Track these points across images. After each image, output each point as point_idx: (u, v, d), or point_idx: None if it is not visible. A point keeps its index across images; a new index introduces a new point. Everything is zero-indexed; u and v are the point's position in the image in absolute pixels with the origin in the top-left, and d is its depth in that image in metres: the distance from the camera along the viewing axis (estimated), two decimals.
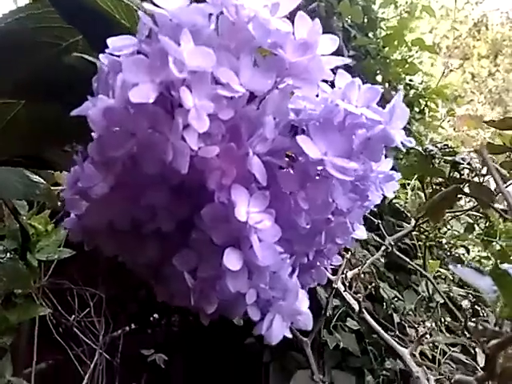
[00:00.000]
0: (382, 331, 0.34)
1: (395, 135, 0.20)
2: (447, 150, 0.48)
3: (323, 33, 0.19)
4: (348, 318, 0.99)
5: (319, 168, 0.20)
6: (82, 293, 1.12)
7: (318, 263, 0.28)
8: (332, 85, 0.23)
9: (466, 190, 0.42)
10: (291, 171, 0.22)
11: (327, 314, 0.93)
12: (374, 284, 0.98)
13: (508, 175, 0.39)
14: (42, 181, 0.50)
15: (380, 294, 1.04)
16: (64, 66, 0.37)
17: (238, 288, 0.19)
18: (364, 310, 0.36)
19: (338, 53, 0.20)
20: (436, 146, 0.49)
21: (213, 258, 0.20)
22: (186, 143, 0.17)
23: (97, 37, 0.29)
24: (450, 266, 0.26)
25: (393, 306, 1.03)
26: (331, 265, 0.29)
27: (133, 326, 1.22)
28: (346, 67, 0.21)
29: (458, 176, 0.46)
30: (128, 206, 0.20)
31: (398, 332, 1.01)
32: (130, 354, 1.17)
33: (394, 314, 1.00)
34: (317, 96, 0.23)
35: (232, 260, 0.19)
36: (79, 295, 1.11)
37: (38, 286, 0.87)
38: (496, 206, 0.41)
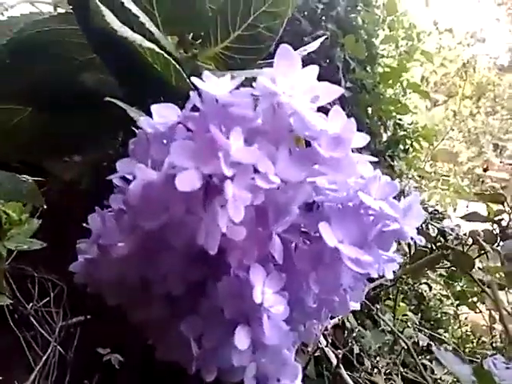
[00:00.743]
0: None
1: (409, 232, 0.22)
2: (436, 215, 0.51)
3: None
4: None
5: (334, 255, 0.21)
6: (44, 281, 1.09)
7: (309, 325, 0.29)
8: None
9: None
10: (306, 250, 0.23)
11: None
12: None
13: (488, 247, 0.41)
14: (29, 179, 0.49)
15: (343, 321, 1.07)
16: (76, 81, 0.37)
17: (241, 363, 0.20)
18: (341, 366, 0.37)
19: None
20: (426, 210, 0.52)
21: (220, 329, 0.20)
22: (218, 225, 0.17)
23: (124, 74, 0.29)
24: (433, 349, 0.27)
25: (354, 335, 1.05)
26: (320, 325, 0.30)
27: (89, 317, 1.20)
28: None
29: (444, 241, 0.48)
30: (142, 267, 0.20)
31: (355, 361, 1.04)
32: (84, 351, 1.15)
33: (355, 345, 1.03)
34: None
35: (242, 338, 0.19)
36: (40, 283, 1.08)
37: None
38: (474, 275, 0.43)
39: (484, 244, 0.33)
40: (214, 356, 0.20)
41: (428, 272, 1.27)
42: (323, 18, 1.17)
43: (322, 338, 0.39)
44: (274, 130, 0.19)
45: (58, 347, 1.08)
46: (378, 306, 1.11)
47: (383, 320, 0.53)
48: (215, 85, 0.18)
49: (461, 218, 0.47)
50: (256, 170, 0.18)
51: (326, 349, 0.38)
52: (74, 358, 1.12)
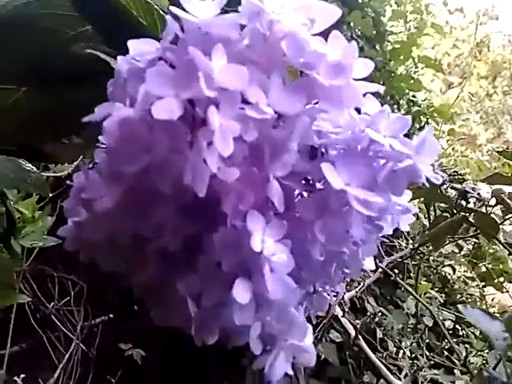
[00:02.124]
0: (377, 360, 0.33)
1: (423, 170, 0.19)
2: (456, 177, 0.48)
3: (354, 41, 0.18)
4: (331, 330, 0.98)
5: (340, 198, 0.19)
6: (64, 280, 1.10)
7: (321, 289, 0.27)
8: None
9: (471, 219, 0.41)
10: (309, 197, 0.21)
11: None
12: (358, 295, 0.97)
13: None
14: (34, 169, 0.48)
15: (364, 306, 1.04)
16: (70, 55, 0.35)
17: (244, 321, 0.18)
18: (360, 337, 0.35)
19: None
20: (445, 172, 0.49)
21: (219, 285, 0.18)
22: (206, 165, 0.15)
23: (108, 30, 0.28)
24: (460, 308, 0.25)
25: (377, 320, 1.03)
26: (333, 291, 0.28)
27: (111, 316, 1.20)
28: None
29: (465, 204, 0.45)
30: (132, 221, 0.18)
31: (379, 346, 1.01)
32: (107, 347, 1.15)
33: (377, 329, 1.00)
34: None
35: (241, 292, 0.17)
36: (60, 283, 1.08)
37: (19, 271, 0.85)
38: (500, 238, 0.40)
39: (510, 202, 0.30)
40: (214, 315, 0.19)
41: (452, 252, 1.23)
42: None
43: (337, 308, 0.37)
44: (265, 57, 0.17)
45: (81, 345, 1.09)
46: (402, 289, 1.08)
47: (407, 289, 0.50)
48: (196, 8, 0.16)
49: (482, 180, 0.44)
50: (246, 102, 0.16)
51: (343, 319, 0.36)
52: (97, 354, 1.13)
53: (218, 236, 0.18)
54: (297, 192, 0.22)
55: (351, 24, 1.06)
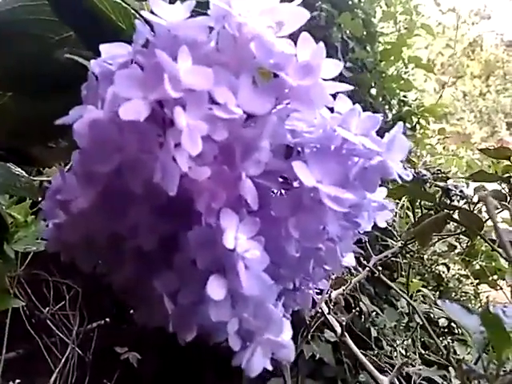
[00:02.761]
0: (362, 357, 0.34)
1: (393, 167, 0.20)
2: (439, 175, 0.48)
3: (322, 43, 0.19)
4: (326, 330, 0.99)
5: (313, 196, 0.19)
6: (59, 285, 1.10)
7: (303, 287, 0.27)
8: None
9: (456, 216, 0.42)
10: (283, 195, 0.21)
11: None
12: (353, 294, 0.98)
13: (499, 205, 0.39)
14: (23, 173, 0.48)
15: (359, 305, 1.05)
16: (55, 60, 0.36)
17: (220, 317, 0.18)
18: (346, 334, 0.36)
19: None
20: (429, 171, 0.49)
21: (195, 282, 0.19)
22: (176, 164, 0.16)
23: (89, 36, 0.28)
24: (439, 302, 0.25)
25: (371, 319, 1.03)
26: (316, 288, 0.29)
27: (107, 320, 1.20)
28: (342, 79, 0.21)
29: (449, 202, 0.46)
30: (108, 221, 0.19)
31: (373, 345, 1.02)
32: (102, 351, 1.15)
33: (372, 328, 1.00)
34: (315, 118, 0.22)
35: (215, 288, 0.18)
36: (55, 287, 1.08)
37: (13, 276, 0.85)
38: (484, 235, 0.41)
39: (491, 200, 0.31)
40: (191, 312, 0.19)
41: (446, 251, 1.24)
42: None
43: (323, 305, 0.37)
44: (234, 59, 0.17)
45: (77, 349, 1.08)
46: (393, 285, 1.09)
47: (399, 291, 0.51)
48: (166, 12, 0.17)
49: (466, 178, 0.44)
50: (214, 102, 0.17)
51: (330, 317, 0.37)
52: (93, 358, 1.12)
53: (193, 234, 0.18)
54: (275, 190, 0.22)
55: (341, 25, 1.06)
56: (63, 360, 1.05)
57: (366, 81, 1.11)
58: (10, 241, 0.68)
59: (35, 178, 0.65)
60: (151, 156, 0.16)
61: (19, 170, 0.47)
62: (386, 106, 1.19)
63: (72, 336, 1.11)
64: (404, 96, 1.23)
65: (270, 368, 0.21)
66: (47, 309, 1.08)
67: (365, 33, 1.13)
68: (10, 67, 0.36)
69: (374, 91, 1.20)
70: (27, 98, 0.38)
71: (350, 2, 1.20)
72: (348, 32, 1.11)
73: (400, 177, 0.21)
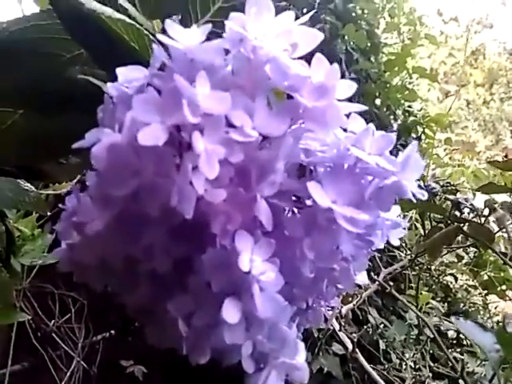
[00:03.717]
0: (374, 373, 0.33)
1: (408, 187, 0.20)
2: (449, 188, 0.48)
3: (326, 55, 0.19)
4: (334, 343, 0.98)
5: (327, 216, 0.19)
6: (64, 298, 1.09)
7: (315, 305, 0.27)
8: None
9: (466, 228, 0.42)
10: (297, 214, 0.21)
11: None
12: (360, 307, 0.97)
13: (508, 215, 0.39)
14: (32, 188, 0.49)
15: (367, 318, 1.04)
16: (66, 78, 0.36)
17: (235, 340, 0.18)
18: (357, 350, 0.35)
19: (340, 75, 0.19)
20: (438, 183, 0.49)
21: (209, 305, 0.19)
22: (192, 187, 0.16)
23: (102, 55, 0.28)
24: (453, 319, 0.25)
25: (379, 332, 1.02)
26: (328, 306, 0.28)
27: (112, 333, 1.19)
28: None
29: (459, 214, 0.45)
30: (123, 244, 0.19)
31: (382, 358, 1.00)
32: (108, 364, 1.14)
33: (380, 341, 0.99)
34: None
35: (231, 312, 0.17)
36: (61, 300, 1.08)
37: (19, 289, 0.85)
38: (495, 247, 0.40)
39: (502, 212, 0.31)
40: (205, 335, 0.19)
41: (453, 262, 1.23)
42: (322, 11, 1.16)
43: (334, 322, 0.37)
44: (249, 81, 0.17)
45: (82, 362, 1.08)
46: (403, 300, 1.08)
47: (407, 304, 0.50)
48: (182, 36, 0.17)
49: (476, 190, 0.44)
50: (231, 125, 0.17)
51: (341, 334, 0.36)
52: (98, 372, 1.11)
53: (207, 257, 0.18)
54: (287, 209, 0.22)
55: (345, 37, 1.07)
56: (68, 373, 1.04)
57: (370, 91, 1.11)
58: (16, 254, 0.68)
59: (42, 192, 0.65)
60: (168, 180, 0.16)
61: (28, 185, 0.47)
62: (391, 116, 1.19)
63: (77, 349, 1.10)
64: (409, 106, 1.23)
65: None
66: (53, 322, 1.08)
67: (369, 44, 1.13)
68: (21, 85, 0.37)
69: (378, 102, 1.20)
70: (38, 115, 0.38)
71: (354, 14, 1.21)
72: (352, 43, 1.11)
73: (414, 196, 0.21)
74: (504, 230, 0.39)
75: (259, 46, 0.17)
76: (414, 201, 0.20)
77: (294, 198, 0.22)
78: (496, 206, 0.37)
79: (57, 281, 1.05)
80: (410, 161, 0.20)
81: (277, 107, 0.18)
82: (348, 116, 0.21)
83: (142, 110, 0.15)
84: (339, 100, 0.19)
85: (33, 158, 0.40)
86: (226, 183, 0.17)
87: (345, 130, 0.22)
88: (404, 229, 0.25)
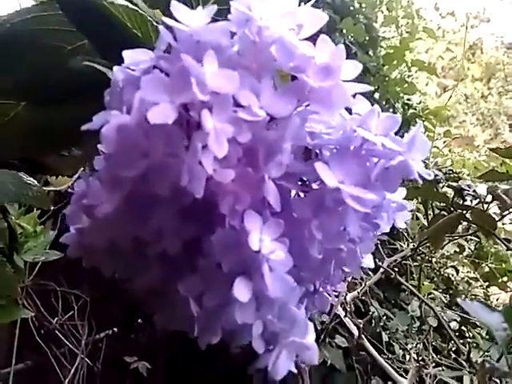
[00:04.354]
0: (381, 358, 0.33)
1: (414, 167, 0.20)
2: (452, 175, 0.48)
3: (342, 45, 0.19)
4: (337, 335, 0.98)
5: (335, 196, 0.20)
6: (67, 295, 1.10)
7: (322, 289, 0.27)
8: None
9: (468, 216, 0.42)
10: (305, 197, 0.21)
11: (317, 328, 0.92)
12: (362, 299, 0.97)
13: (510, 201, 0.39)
14: (35, 182, 0.49)
15: (368, 309, 1.04)
16: (68, 69, 0.36)
17: (245, 319, 0.18)
18: (363, 336, 0.35)
19: None
20: (441, 171, 0.49)
21: (220, 285, 0.19)
22: (202, 167, 0.16)
23: (105, 43, 0.29)
24: (458, 300, 0.25)
25: (382, 323, 1.02)
26: (334, 291, 0.29)
27: (116, 330, 1.20)
28: None
29: (461, 202, 0.45)
30: (133, 226, 0.19)
31: (385, 350, 1.01)
32: (112, 360, 1.14)
33: (383, 333, 1.00)
34: (332, 120, 0.22)
35: (242, 290, 0.18)
36: (64, 297, 1.08)
37: (22, 287, 0.85)
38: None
39: (505, 198, 0.31)
40: (216, 315, 0.19)
41: (455, 253, 1.23)
42: (320, 5, 1.15)
43: (340, 308, 0.37)
44: (255, 62, 0.17)
45: (86, 359, 1.08)
46: (406, 292, 1.08)
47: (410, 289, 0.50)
48: (188, 18, 0.17)
49: (478, 177, 0.44)
50: (238, 105, 0.17)
51: (346, 319, 0.36)
52: (102, 368, 1.12)
53: (217, 237, 0.18)
54: (293, 192, 0.22)
55: (343, 31, 1.07)
56: (72, 370, 1.04)
57: (369, 85, 1.11)
58: (19, 251, 0.68)
59: (43, 188, 0.65)
60: (178, 159, 0.16)
61: (31, 179, 0.48)
62: (391, 110, 1.19)
63: (81, 346, 1.10)
64: (408, 99, 1.23)
65: (294, 371, 0.21)
66: (56, 319, 1.08)
67: (367, 37, 1.13)
68: (23, 77, 0.37)
69: (377, 95, 1.20)
70: (40, 107, 0.38)
71: (352, 8, 1.21)
72: (350, 37, 1.11)
73: (420, 176, 0.21)
74: (507, 215, 0.40)
75: (265, 26, 0.17)
76: (420, 181, 0.21)
77: (299, 183, 0.23)
78: (499, 191, 0.37)
79: (59, 278, 1.05)
80: (416, 141, 0.20)
81: (282, 88, 0.18)
82: (353, 97, 0.21)
83: (150, 89, 0.15)
84: (345, 81, 0.19)
85: (35, 150, 0.40)
86: (234, 163, 0.17)
87: (350, 113, 0.22)
88: (410, 211, 0.25)
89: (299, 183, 0.22)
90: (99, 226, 0.19)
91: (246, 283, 0.18)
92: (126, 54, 0.18)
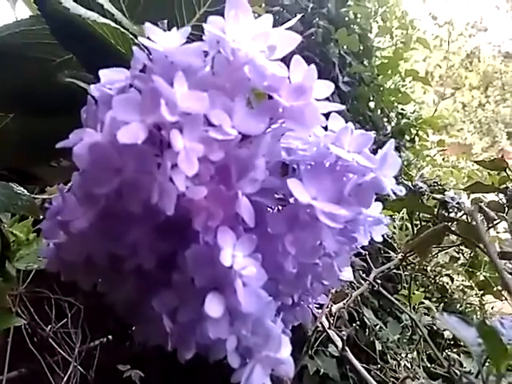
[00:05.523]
0: (364, 371, 0.34)
1: (386, 183, 0.20)
2: (436, 187, 0.49)
3: (319, 59, 0.19)
4: (330, 344, 0.98)
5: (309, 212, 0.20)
6: (61, 302, 1.09)
7: (303, 302, 0.27)
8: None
9: (454, 227, 0.42)
10: (280, 212, 0.21)
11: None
12: (356, 308, 0.97)
13: (496, 216, 0.39)
14: (25, 192, 0.49)
15: (363, 319, 1.04)
16: (55, 82, 0.36)
17: (219, 335, 0.18)
18: (347, 349, 0.36)
19: (332, 79, 0.20)
20: (425, 183, 0.50)
21: (193, 300, 0.19)
22: (173, 185, 0.16)
23: (88, 59, 0.29)
24: (437, 315, 0.25)
25: (375, 332, 1.02)
26: (316, 303, 0.29)
27: (109, 338, 1.19)
28: (341, 93, 0.21)
29: (446, 214, 0.46)
30: (107, 241, 0.19)
31: (378, 359, 1.00)
32: (105, 368, 1.14)
33: (376, 342, 1.00)
34: (310, 136, 0.22)
35: (213, 306, 0.18)
36: (57, 305, 1.08)
37: (15, 294, 0.85)
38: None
39: (488, 210, 0.31)
40: (190, 330, 0.19)
41: (449, 262, 1.24)
42: (314, 16, 1.17)
43: (324, 319, 0.37)
44: (229, 81, 0.18)
45: (79, 367, 1.08)
46: (392, 298, 1.08)
47: (399, 303, 0.51)
48: (162, 39, 0.17)
49: (463, 189, 0.45)
50: (211, 124, 0.17)
51: (331, 332, 0.36)
52: (95, 376, 1.11)
53: (191, 253, 0.19)
54: (271, 207, 0.22)
55: (338, 41, 1.08)
56: (65, 378, 1.04)
57: (364, 94, 1.12)
58: (11, 259, 0.68)
59: (37, 197, 0.65)
60: (149, 177, 0.16)
61: (21, 189, 0.48)
62: (385, 119, 1.20)
63: (74, 354, 1.10)
64: (402, 109, 1.24)
65: None
66: (49, 327, 1.07)
67: (361, 48, 1.14)
68: (11, 89, 0.37)
69: (372, 104, 1.21)
70: (28, 119, 0.39)
71: (347, 18, 1.22)
72: (345, 47, 1.12)
73: (394, 192, 0.21)
74: (491, 228, 0.40)
75: (237, 48, 0.17)
76: (394, 196, 0.21)
77: (278, 196, 0.23)
78: (482, 204, 0.38)
79: (53, 286, 1.05)
80: (388, 158, 0.20)
81: (256, 107, 0.18)
82: (328, 116, 0.21)
83: (121, 109, 0.16)
84: (317, 99, 0.20)
85: (24, 160, 0.41)
86: (206, 180, 0.18)
87: (325, 129, 0.22)
88: (386, 225, 0.25)
89: (277, 197, 0.23)
90: (75, 241, 0.20)
91: (219, 299, 0.18)
92: (102, 72, 0.19)
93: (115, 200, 0.18)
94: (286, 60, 0.19)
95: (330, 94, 0.20)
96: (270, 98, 0.19)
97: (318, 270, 0.22)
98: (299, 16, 0.37)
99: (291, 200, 0.22)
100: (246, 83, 0.18)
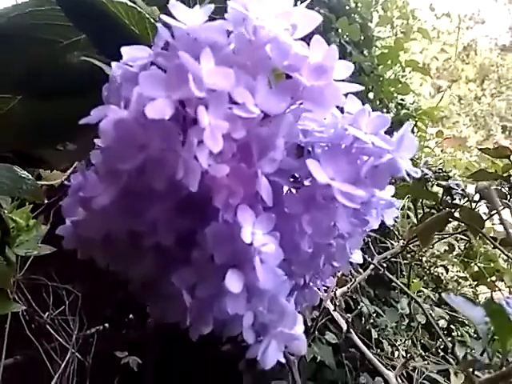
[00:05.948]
0: (369, 352, 0.34)
1: (402, 165, 0.21)
2: (441, 174, 0.49)
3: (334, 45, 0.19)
4: (327, 332, 0.99)
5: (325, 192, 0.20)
6: (58, 290, 1.09)
7: (312, 284, 0.28)
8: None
9: (457, 214, 0.43)
10: (296, 193, 0.22)
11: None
12: (353, 297, 0.98)
13: (500, 203, 0.40)
14: (29, 176, 0.49)
15: (359, 307, 1.05)
16: (63, 64, 0.36)
17: (237, 310, 0.19)
18: (351, 330, 0.36)
19: None
20: (430, 170, 0.50)
21: (212, 277, 0.19)
22: (197, 162, 0.16)
23: (101, 39, 0.29)
24: (443, 295, 0.26)
25: (371, 320, 1.04)
26: (324, 285, 0.29)
27: (107, 325, 1.20)
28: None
29: (450, 200, 0.46)
30: (128, 218, 0.19)
31: (374, 346, 1.02)
32: (102, 355, 1.15)
33: (373, 330, 1.01)
34: (325, 119, 0.23)
35: (233, 282, 0.18)
36: (55, 292, 1.08)
37: (14, 281, 0.85)
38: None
39: (494, 194, 0.32)
40: (208, 306, 0.20)
41: (444, 252, 1.25)
42: (316, 4, 1.16)
43: (329, 302, 0.38)
44: (251, 60, 0.18)
45: (77, 354, 1.08)
46: (396, 290, 1.10)
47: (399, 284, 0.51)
48: (185, 16, 0.17)
49: (467, 177, 0.45)
50: (233, 102, 0.17)
51: (335, 314, 0.37)
52: (93, 363, 1.12)
53: (211, 230, 0.19)
54: (286, 188, 0.23)
55: (339, 30, 1.08)
56: (63, 365, 1.04)
57: (363, 84, 1.12)
58: (11, 245, 0.68)
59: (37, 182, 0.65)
60: (174, 154, 0.17)
61: (25, 172, 0.48)
62: (384, 110, 1.20)
63: (72, 341, 1.10)
64: (401, 99, 1.24)
65: (283, 361, 0.21)
66: (47, 314, 1.08)
67: (362, 37, 1.14)
68: (19, 71, 0.37)
69: (371, 95, 1.21)
70: (35, 101, 0.39)
71: (347, 7, 1.22)
72: (345, 36, 1.12)
73: (408, 174, 0.21)
74: (495, 214, 0.41)
75: (260, 26, 0.17)
76: (408, 179, 0.21)
77: (291, 179, 0.23)
78: (486, 191, 0.38)
79: (51, 273, 1.05)
80: (404, 140, 0.21)
81: (277, 86, 0.19)
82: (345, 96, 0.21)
83: (148, 85, 0.16)
84: (337, 80, 0.20)
85: (30, 144, 0.41)
86: (228, 158, 0.18)
87: (342, 111, 0.22)
88: (398, 208, 0.25)
89: (291, 180, 0.23)
90: (95, 217, 0.20)
91: (238, 275, 0.19)
92: (124, 50, 0.19)
93: (137, 177, 0.18)
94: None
95: (350, 74, 0.20)
96: (288, 78, 0.19)
97: (332, 251, 0.23)
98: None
99: (306, 182, 0.23)
100: (267, 62, 0.18)
